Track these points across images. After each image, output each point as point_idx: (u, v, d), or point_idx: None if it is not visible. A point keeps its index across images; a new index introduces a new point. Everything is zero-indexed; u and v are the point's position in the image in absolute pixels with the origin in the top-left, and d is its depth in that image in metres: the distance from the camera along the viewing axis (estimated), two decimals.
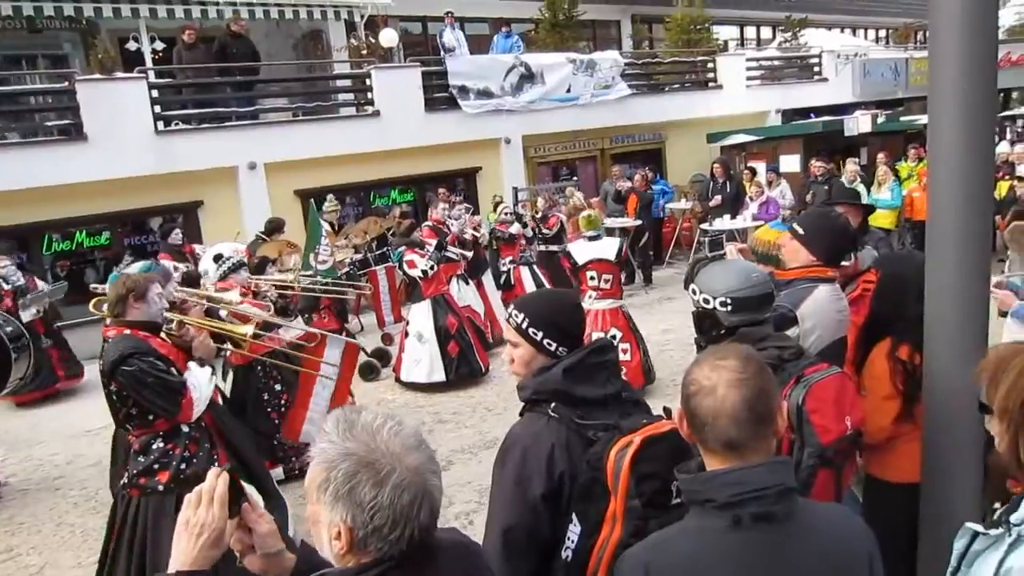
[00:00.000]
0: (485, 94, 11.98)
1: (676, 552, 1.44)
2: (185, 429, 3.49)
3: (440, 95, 11.82)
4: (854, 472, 2.32)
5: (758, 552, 1.39)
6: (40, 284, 7.89)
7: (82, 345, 8.18)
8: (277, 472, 5.54)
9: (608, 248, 6.65)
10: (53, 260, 9.84)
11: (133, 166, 9.32)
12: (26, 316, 6.99)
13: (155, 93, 10.00)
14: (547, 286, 8.89)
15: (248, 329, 3.89)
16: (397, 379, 7.71)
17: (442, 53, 12.71)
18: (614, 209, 11.43)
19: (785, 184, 11.30)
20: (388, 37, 11.46)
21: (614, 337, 6.50)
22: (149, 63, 11.43)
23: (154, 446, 3.43)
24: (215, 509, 1.35)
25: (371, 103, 11.24)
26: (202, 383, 3.49)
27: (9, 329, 5.67)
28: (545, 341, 2.03)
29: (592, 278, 6.56)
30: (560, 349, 2.03)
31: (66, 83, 9.43)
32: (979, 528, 1.51)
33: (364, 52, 11.58)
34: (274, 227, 8.59)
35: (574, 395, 1.94)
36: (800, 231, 2.88)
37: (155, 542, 3.38)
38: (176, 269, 8.64)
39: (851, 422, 2.06)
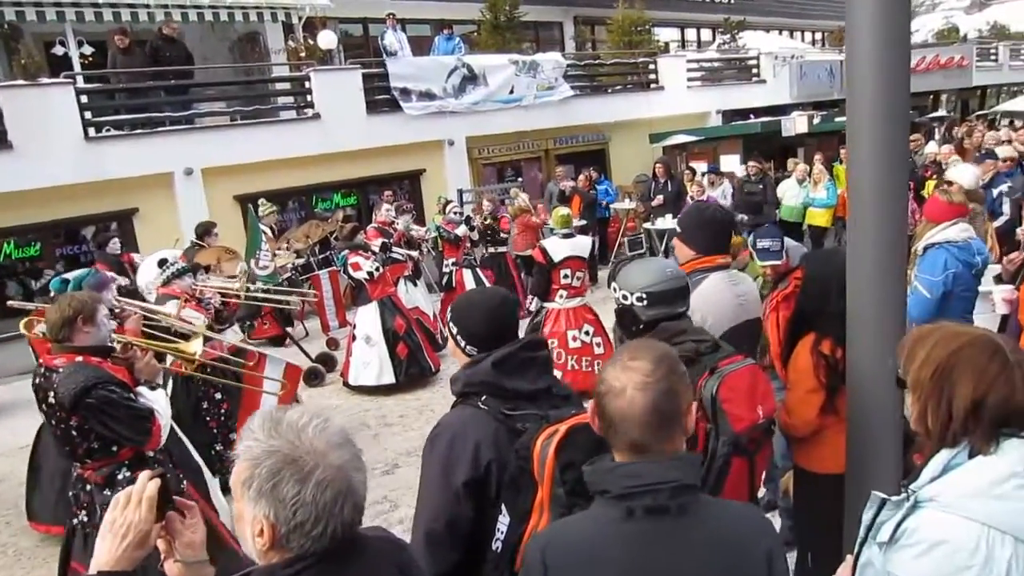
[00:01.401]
0: (427, 96, 11.94)
1: (573, 537, 1.49)
2: (150, 454, 3.32)
3: (382, 97, 11.73)
4: (767, 462, 2.40)
5: (650, 542, 1.43)
6: None
7: (5, 364, 7.91)
8: (214, 484, 5.44)
9: (583, 246, 6.72)
10: None
11: (62, 174, 9.00)
12: None
13: (85, 99, 9.70)
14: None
15: (197, 347, 3.76)
16: (345, 383, 7.64)
17: (384, 55, 12.63)
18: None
19: (727, 183, 11.56)
20: (326, 39, 11.33)
21: (587, 332, 6.57)
22: (77, 68, 11.09)
23: (119, 476, 3.21)
24: (142, 510, 1.38)
25: (311, 106, 11.09)
26: (164, 406, 3.31)
27: None
28: (457, 337, 2.09)
29: (566, 276, 6.57)
30: (468, 348, 2.08)
31: None
32: (885, 496, 1.59)
33: (302, 55, 11.41)
34: (203, 230, 8.42)
35: (504, 388, 2.00)
36: (678, 230, 3.03)
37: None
38: (114, 281, 8.43)
39: (763, 411, 2.13)
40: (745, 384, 2.14)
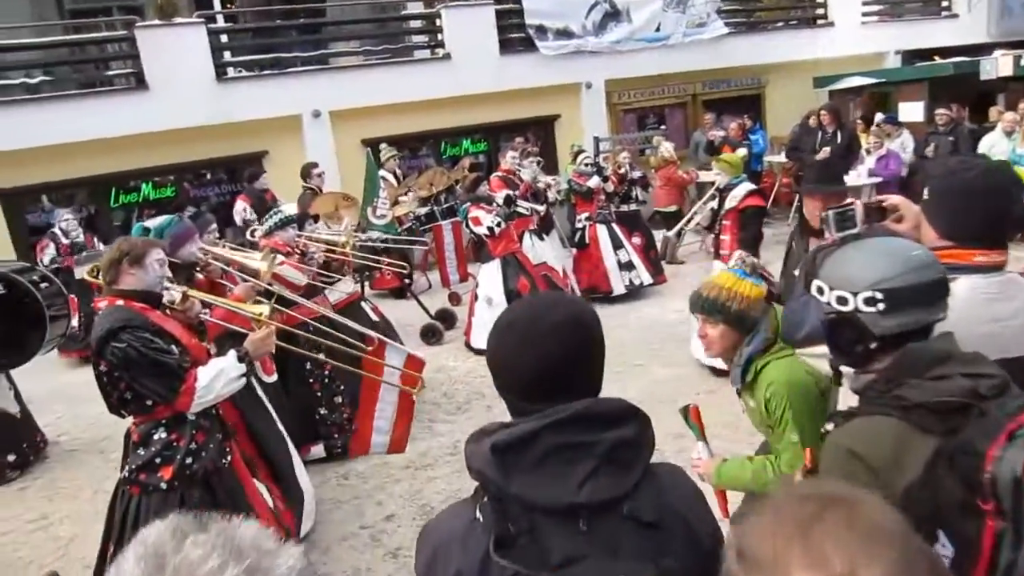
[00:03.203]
0: (565, 34, 10.99)
1: None
2: (192, 417, 2.98)
3: (516, 35, 10.92)
4: None
5: None
6: (99, 244, 7.74)
7: None
8: (318, 450, 5.09)
9: None
10: (127, 213, 9.76)
11: (194, 116, 9.00)
12: (79, 273, 6.82)
13: (224, 38, 9.64)
14: (626, 246, 8.05)
15: (264, 310, 3.32)
16: (467, 344, 7.13)
17: None
18: (705, 162, 10.38)
19: (907, 135, 9.88)
20: None
21: None
22: (218, 7, 11.08)
23: (155, 436, 2.93)
24: None
25: (441, 45, 10.49)
26: (215, 379, 2.90)
27: (44, 285, 5.35)
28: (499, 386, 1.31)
29: None
30: (507, 398, 1.31)
31: (126, 31, 9.15)
32: None
33: None
34: (304, 172, 8.34)
35: (507, 493, 1.16)
36: (925, 196, 1.96)
37: None
38: (245, 211, 8.36)
39: None
40: None
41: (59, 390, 6.96)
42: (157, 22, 8.98)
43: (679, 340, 6.44)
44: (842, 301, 1.50)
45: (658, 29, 11.74)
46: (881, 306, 1.44)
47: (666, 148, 9.58)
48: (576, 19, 11.09)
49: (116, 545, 3.03)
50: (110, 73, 9.25)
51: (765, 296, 2.36)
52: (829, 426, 1.58)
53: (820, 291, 1.56)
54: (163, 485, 2.91)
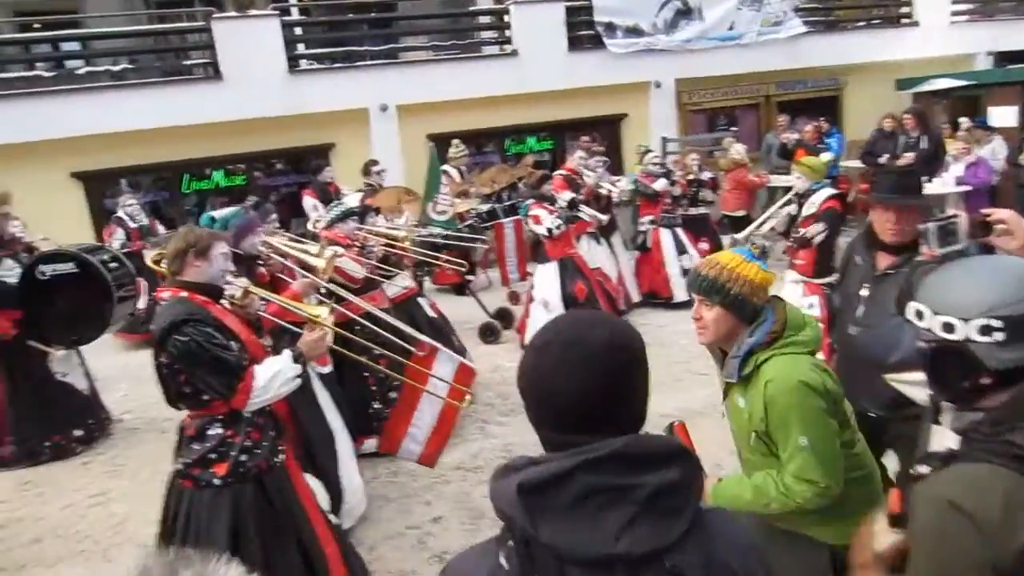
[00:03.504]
0: (634, 32, 10.77)
1: None
2: (247, 414, 2.95)
3: (585, 33, 10.76)
4: None
5: None
6: (160, 228, 7.92)
7: None
8: (371, 443, 5.07)
9: None
10: (200, 198, 10.03)
11: (266, 106, 9.19)
12: (146, 258, 7.01)
13: (298, 31, 9.80)
14: (690, 252, 7.80)
15: (323, 311, 3.26)
16: (523, 344, 7.04)
17: None
18: (778, 165, 10.00)
19: (999, 141, 9.29)
20: None
21: (811, 306, 5.29)
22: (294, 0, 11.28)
23: (210, 432, 2.90)
24: None
25: (508, 42, 10.41)
26: (272, 380, 2.87)
27: (114, 265, 5.48)
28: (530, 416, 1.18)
29: None
30: (546, 436, 1.16)
31: (204, 22, 9.41)
32: None
33: None
34: (364, 170, 8.37)
35: (535, 540, 1.04)
36: None
37: (209, 545, 2.86)
38: (316, 209, 8.49)
39: None
40: None
41: (125, 369, 7.15)
42: (233, 14, 9.18)
43: None
44: (948, 328, 1.32)
45: (731, 28, 11.41)
46: (999, 336, 1.27)
47: (737, 150, 9.26)
48: (647, 17, 10.87)
49: (168, 537, 3.01)
50: (189, 63, 9.51)
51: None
52: (923, 469, 1.41)
53: (919, 315, 1.39)
54: (216, 482, 2.88)
